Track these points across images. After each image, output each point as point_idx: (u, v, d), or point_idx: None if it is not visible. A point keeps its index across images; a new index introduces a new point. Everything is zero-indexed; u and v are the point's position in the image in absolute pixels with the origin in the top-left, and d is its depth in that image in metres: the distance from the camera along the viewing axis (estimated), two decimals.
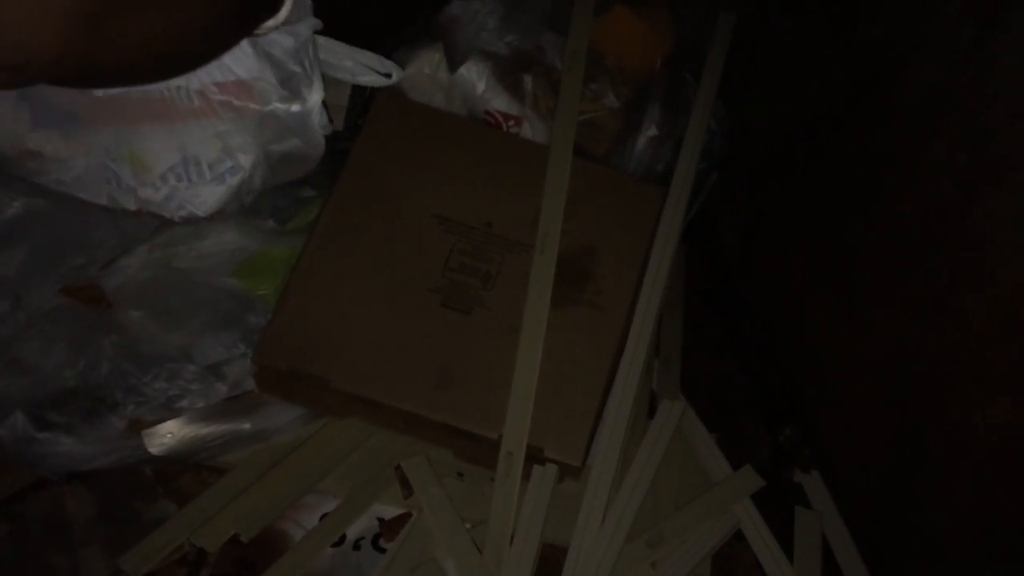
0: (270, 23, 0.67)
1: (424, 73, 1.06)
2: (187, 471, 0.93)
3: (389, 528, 0.91)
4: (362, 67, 0.90)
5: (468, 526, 0.90)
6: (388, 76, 0.91)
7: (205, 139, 0.82)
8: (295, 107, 0.83)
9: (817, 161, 1.00)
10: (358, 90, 1.13)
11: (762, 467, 0.97)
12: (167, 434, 0.88)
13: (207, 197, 0.86)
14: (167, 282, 0.93)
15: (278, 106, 0.82)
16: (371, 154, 1.00)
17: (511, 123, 1.06)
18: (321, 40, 0.87)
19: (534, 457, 0.89)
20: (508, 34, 1.05)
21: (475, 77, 1.05)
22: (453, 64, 1.05)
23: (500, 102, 1.06)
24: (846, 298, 0.95)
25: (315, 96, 0.85)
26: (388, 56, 1.09)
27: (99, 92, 0.73)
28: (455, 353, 0.91)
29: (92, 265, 0.91)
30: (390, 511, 0.93)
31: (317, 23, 0.82)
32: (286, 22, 0.71)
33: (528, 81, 1.06)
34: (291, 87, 0.83)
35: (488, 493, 0.89)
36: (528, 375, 0.90)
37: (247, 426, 0.91)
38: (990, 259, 0.74)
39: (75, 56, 0.42)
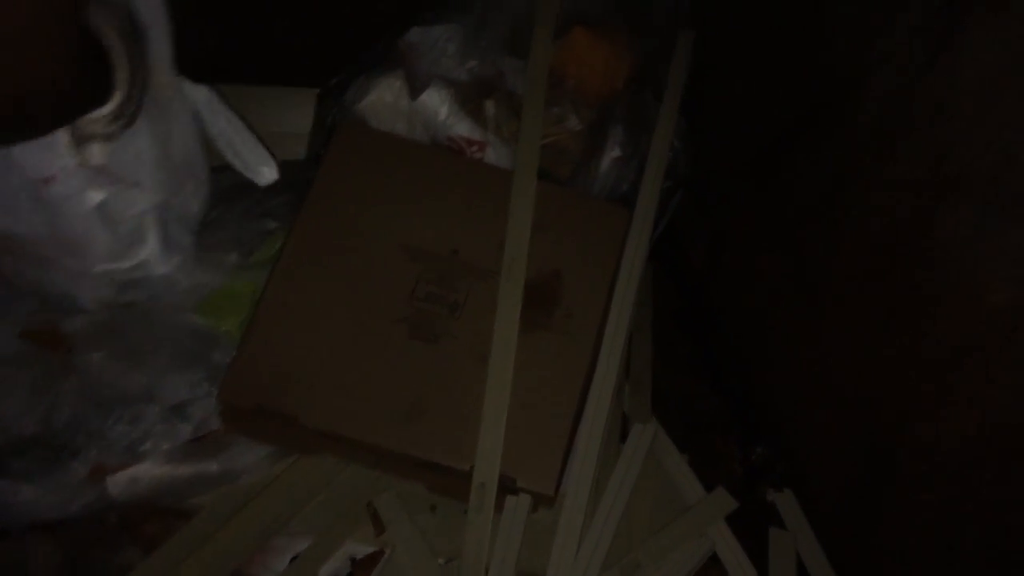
0: (98, 113, 0.63)
1: (385, 101, 1.06)
2: (153, 517, 0.91)
3: (362, 567, 0.90)
4: (243, 163, 0.85)
5: (442, 561, 0.89)
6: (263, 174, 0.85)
7: None
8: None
9: (779, 179, 1.00)
10: (320, 119, 1.13)
11: (735, 487, 0.97)
12: (131, 479, 0.86)
13: None
14: (127, 322, 0.92)
15: None
16: (333, 184, 0.99)
17: (474, 148, 1.06)
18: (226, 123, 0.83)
19: (507, 487, 0.88)
20: (468, 60, 1.05)
21: (437, 103, 1.05)
22: (414, 91, 1.05)
23: (463, 128, 1.05)
24: (812, 315, 0.95)
25: None
26: (348, 85, 1.09)
27: None
28: (424, 384, 0.90)
29: (49, 308, 0.89)
30: (362, 550, 0.91)
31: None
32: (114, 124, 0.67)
33: (490, 106, 1.05)
34: None
35: (462, 526, 0.88)
36: (498, 404, 0.89)
37: (214, 467, 0.89)
38: (951, 278, 0.75)
39: None
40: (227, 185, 1.08)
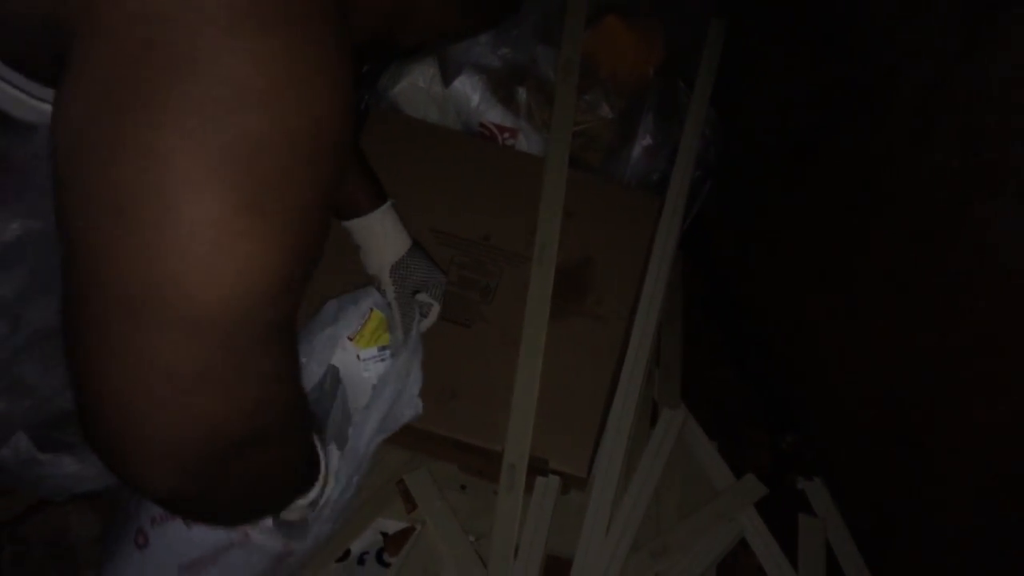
0: (301, 501, 0.67)
1: (418, 86, 1.07)
2: None
3: (393, 542, 0.91)
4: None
5: (472, 539, 0.90)
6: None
7: None
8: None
9: (813, 168, 1.00)
10: (353, 105, 1.14)
11: (764, 474, 0.97)
12: None
13: None
14: None
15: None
16: None
17: (506, 135, 1.07)
18: None
19: (538, 469, 0.89)
20: (501, 47, 1.05)
21: (469, 90, 1.05)
22: (447, 77, 1.06)
23: (495, 114, 1.06)
24: (845, 303, 0.95)
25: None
26: (381, 71, 1.10)
27: None
28: (457, 367, 0.91)
29: None
30: (394, 525, 0.93)
31: None
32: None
33: (522, 93, 1.06)
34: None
35: (491, 506, 0.89)
36: (530, 387, 0.90)
37: None
38: (988, 265, 0.74)
39: (185, 497, 0.48)
40: None
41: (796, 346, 1.06)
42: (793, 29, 1.03)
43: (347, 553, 0.91)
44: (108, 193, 0.40)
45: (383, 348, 0.85)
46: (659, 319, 0.99)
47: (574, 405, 0.90)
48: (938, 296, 0.81)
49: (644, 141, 1.08)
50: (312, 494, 0.67)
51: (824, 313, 0.99)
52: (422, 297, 0.88)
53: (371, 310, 0.86)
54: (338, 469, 0.74)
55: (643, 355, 0.96)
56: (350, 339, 0.85)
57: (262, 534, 0.73)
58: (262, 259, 0.41)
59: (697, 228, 1.15)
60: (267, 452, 0.50)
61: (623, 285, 0.97)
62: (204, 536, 0.73)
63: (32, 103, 0.47)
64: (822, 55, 0.97)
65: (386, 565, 0.91)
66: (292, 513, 0.70)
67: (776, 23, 1.08)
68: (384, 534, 0.92)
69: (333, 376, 0.85)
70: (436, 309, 0.89)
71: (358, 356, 0.85)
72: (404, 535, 0.92)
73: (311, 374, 0.84)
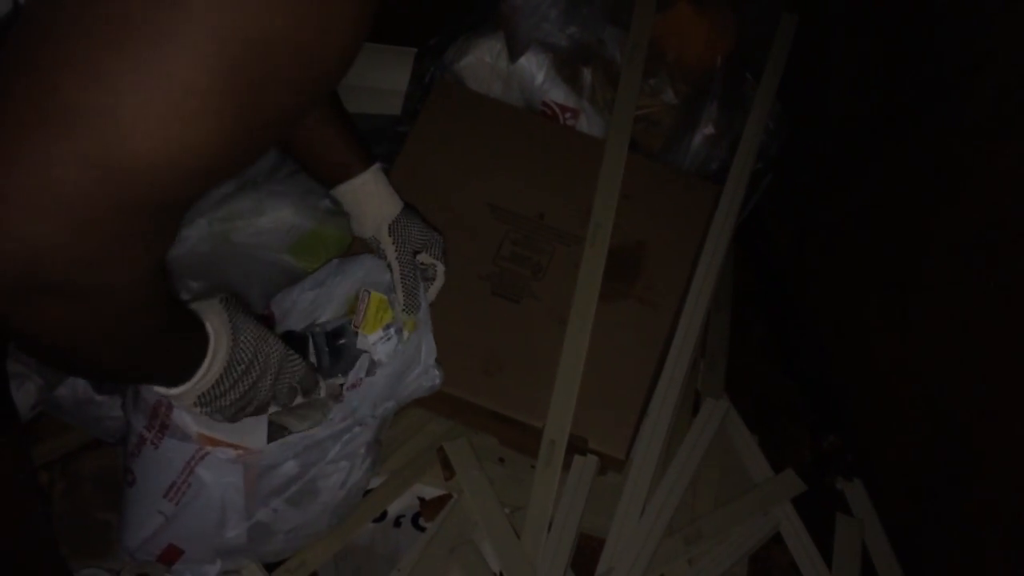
0: (175, 391, 0.65)
1: (484, 61, 1.07)
2: None
3: (429, 508, 0.93)
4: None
5: (507, 511, 0.91)
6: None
7: None
8: None
9: (877, 168, 0.99)
10: (417, 76, 1.15)
11: (804, 472, 0.96)
12: None
13: None
14: (225, 255, 0.95)
15: None
16: (427, 140, 1.01)
17: (568, 115, 1.07)
18: None
19: (577, 447, 0.90)
20: (570, 26, 1.05)
21: (534, 67, 1.06)
22: (513, 54, 1.06)
23: (558, 93, 1.06)
24: (900, 307, 0.94)
25: None
26: (448, 44, 1.10)
27: None
28: (503, 341, 0.92)
29: None
30: (431, 491, 0.94)
31: None
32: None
33: (587, 73, 1.06)
34: None
35: (528, 480, 0.90)
36: (574, 366, 0.90)
37: None
38: None
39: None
40: None
41: (846, 346, 1.05)
42: (868, 27, 1.01)
43: (384, 514, 0.92)
44: (111, 52, 0.41)
45: (388, 326, 0.83)
46: (708, 309, 0.99)
47: (617, 387, 0.91)
48: (1000, 302, 0.79)
49: (706, 129, 1.08)
50: (183, 387, 0.64)
51: (877, 315, 0.98)
52: (423, 257, 0.87)
53: (369, 294, 0.84)
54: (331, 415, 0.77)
55: (689, 343, 0.96)
56: (357, 328, 0.84)
57: (215, 446, 0.73)
58: (212, 147, 0.44)
59: (753, 220, 1.14)
60: (107, 305, 0.50)
61: (674, 272, 0.97)
62: (170, 456, 0.75)
63: None
64: (898, 54, 0.95)
65: (422, 529, 0.92)
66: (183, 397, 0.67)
67: (850, 20, 1.06)
68: (421, 499, 0.93)
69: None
70: (441, 269, 0.88)
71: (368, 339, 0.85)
72: (441, 501, 0.93)
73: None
